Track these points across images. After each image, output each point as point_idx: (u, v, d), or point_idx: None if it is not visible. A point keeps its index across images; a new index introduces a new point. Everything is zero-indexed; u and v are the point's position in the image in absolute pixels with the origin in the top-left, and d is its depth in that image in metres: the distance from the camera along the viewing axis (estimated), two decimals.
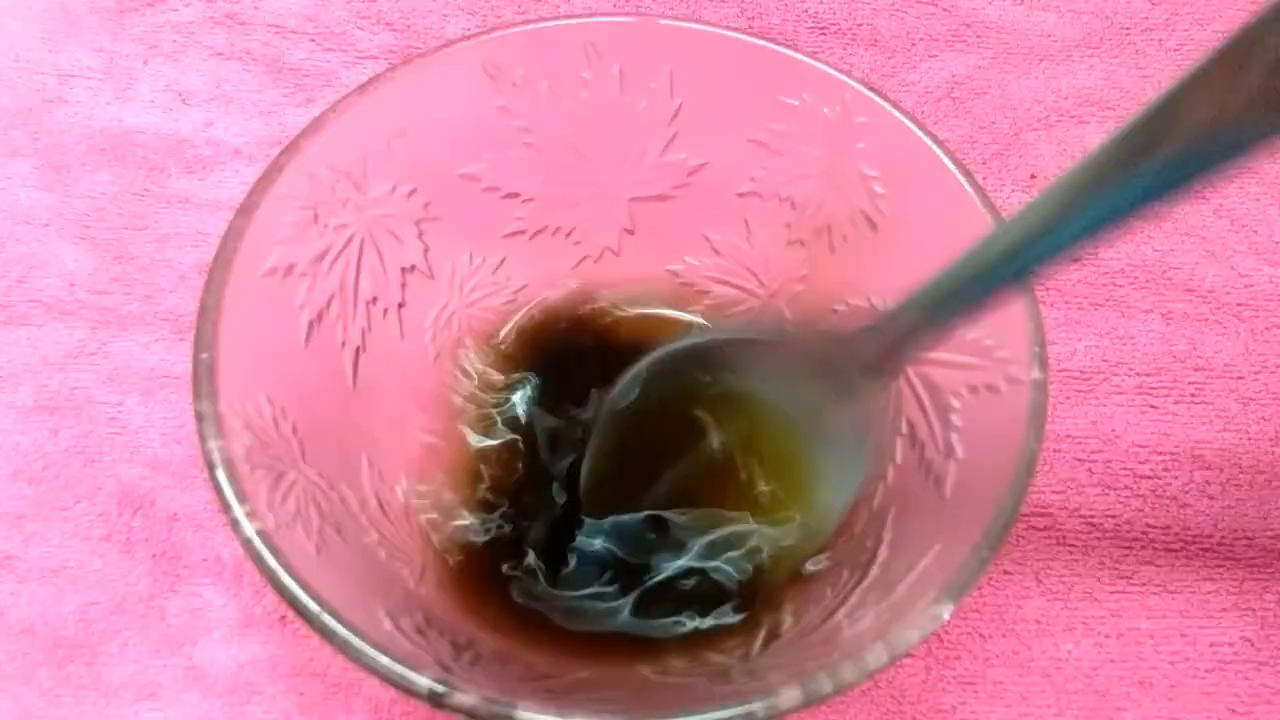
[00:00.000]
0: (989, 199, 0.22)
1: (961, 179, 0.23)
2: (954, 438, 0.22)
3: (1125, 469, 0.28)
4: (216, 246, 0.21)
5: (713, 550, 0.24)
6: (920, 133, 0.23)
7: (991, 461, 0.20)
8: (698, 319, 0.29)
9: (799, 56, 0.25)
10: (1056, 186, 0.17)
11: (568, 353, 0.28)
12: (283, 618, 0.25)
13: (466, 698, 0.17)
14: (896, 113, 0.24)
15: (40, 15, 0.35)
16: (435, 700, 0.17)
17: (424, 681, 0.17)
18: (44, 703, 0.24)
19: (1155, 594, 0.26)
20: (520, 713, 0.17)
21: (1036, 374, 0.21)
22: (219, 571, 0.26)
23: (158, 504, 0.27)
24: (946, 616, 0.18)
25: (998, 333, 0.22)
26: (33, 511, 0.26)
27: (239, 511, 0.18)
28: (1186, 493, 0.28)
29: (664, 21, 0.25)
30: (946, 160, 0.23)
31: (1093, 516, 0.27)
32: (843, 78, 0.24)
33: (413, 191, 0.25)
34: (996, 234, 0.19)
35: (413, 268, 0.26)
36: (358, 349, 0.24)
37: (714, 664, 0.22)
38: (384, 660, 0.17)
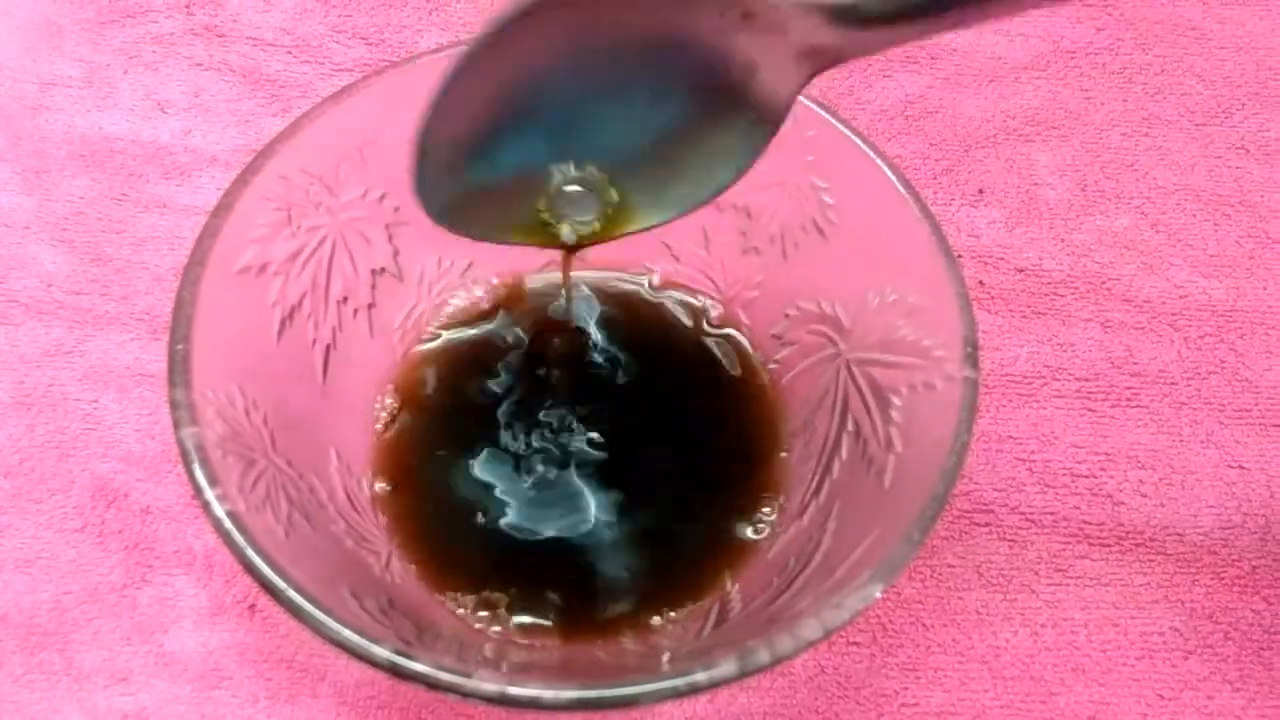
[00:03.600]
0: (926, 205, 0.24)
1: (901, 189, 0.24)
2: (894, 432, 0.24)
3: (1064, 468, 0.29)
4: (192, 248, 0.22)
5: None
6: (864, 146, 0.25)
7: (927, 453, 0.22)
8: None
9: None
10: None
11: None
12: (252, 606, 0.26)
13: (424, 666, 0.18)
14: (843, 128, 0.25)
15: (23, 25, 0.36)
16: (394, 670, 0.18)
17: (383, 653, 0.18)
18: (16, 688, 0.25)
19: (1090, 586, 0.27)
20: (475, 681, 0.18)
21: (969, 372, 0.22)
22: (190, 562, 0.27)
23: (131, 497, 0.27)
24: (878, 595, 0.19)
25: (935, 334, 0.23)
26: (8, 504, 0.27)
27: (210, 494, 0.19)
28: (1121, 491, 0.29)
29: None
30: (888, 171, 0.24)
31: (1032, 513, 0.28)
32: None
33: (383, 196, 0.26)
34: None
35: (382, 269, 0.27)
36: (328, 346, 0.25)
37: (664, 647, 0.23)
38: (346, 633, 0.18)
